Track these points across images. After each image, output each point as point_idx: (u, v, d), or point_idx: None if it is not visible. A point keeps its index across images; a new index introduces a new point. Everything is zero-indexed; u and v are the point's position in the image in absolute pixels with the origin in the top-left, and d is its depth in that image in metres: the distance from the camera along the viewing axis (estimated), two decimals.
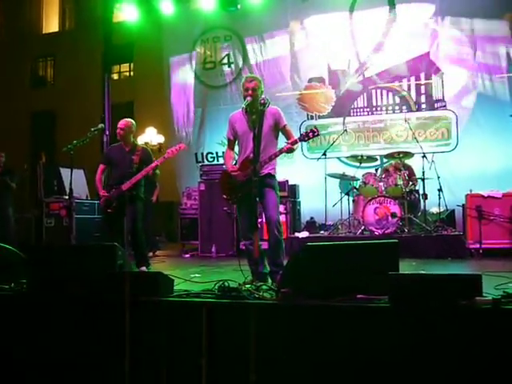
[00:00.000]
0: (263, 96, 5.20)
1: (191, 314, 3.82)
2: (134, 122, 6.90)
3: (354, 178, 9.24)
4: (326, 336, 3.48)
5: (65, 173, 9.92)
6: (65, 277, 4.15)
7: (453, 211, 9.14)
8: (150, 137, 15.98)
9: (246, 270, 5.07)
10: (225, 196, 5.52)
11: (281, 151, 5.17)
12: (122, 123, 6.79)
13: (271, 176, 5.25)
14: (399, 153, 8.99)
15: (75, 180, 7.33)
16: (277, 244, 5.14)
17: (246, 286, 4.15)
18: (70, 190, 7.21)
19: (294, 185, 9.98)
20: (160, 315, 3.87)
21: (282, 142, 5.40)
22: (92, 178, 7.09)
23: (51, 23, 23.08)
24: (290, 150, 5.17)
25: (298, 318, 3.59)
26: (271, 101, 5.34)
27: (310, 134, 5.15)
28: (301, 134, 5.31)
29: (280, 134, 5.39)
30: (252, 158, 5.03)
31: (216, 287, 4.06)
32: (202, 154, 11.99)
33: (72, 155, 6.90)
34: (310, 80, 11.35)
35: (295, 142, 5.16)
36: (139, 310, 3.87)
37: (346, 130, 10.07)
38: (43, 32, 22.83)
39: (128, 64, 21.00)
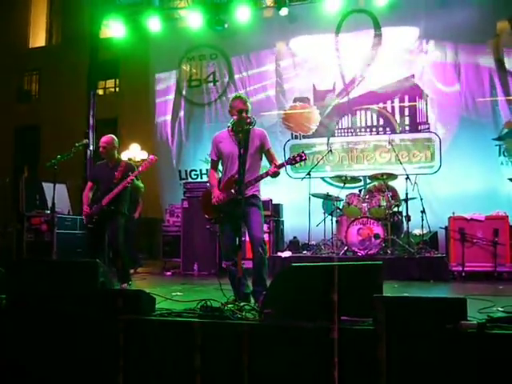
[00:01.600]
0: (249, 115, 5.19)
1: (173, 333, 3.77)
2: (115, 137, 6.88)
3: (337, 199, 9.25)
4: (309, 358, 3.45)
5: (47, 187, 9.80)
6: (45, 293, 4.09)
7: (436, 233, 9.16)
8: (134, 153, 15.92)
9: (227, 289, 5.03)
10: (207, 216, 5.48)
11: (267, 173, 5.15)
12: (103, 140, 6.78)
13: (256, 197, 5.23)
14: (383, 174, 9.02)
15: (57, 195, 7.26)
16: (261, 263, 5.10)
17: (229, 305, 4.11)
18: (53, 204, 7.14)
19: (278, 204, 9.97)
20: (142, 334, 3.81)
21: (265, 163, 5.40)
22: (74, 193, 7.04)
23: (38, 37, 22.99)
24: (275, 174, 5.14)
25: (281, 339, 3.55)
26: (256, 119, 5.34)
27: (298, 158, 5.13)
28: (288, 158, 5.30)
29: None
30: (237, 178, 5.00)
31: (198, 306, 4.03)
32: (186, 171, 11.96)
33: (56, 170, 6.84)
34: (295, 100, 11.40)
35: (282, 166, 5.15)
36: (121, 329, 3.82)
37: (330, 151, 10.11)
38: (30, 46, 22.74)
39: (113, 80, 20.95)
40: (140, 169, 6.62)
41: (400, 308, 3.32)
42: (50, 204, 7.44)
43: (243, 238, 6.23)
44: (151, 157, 6.80)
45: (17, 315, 4.16)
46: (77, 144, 7.30)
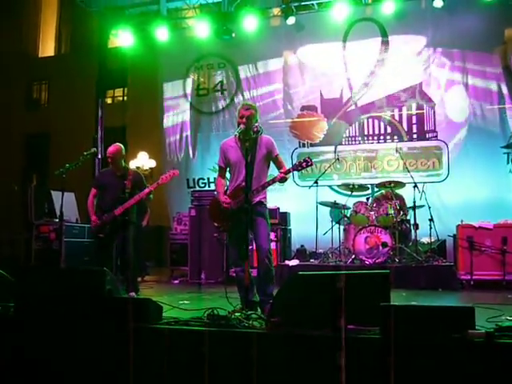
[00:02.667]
0: (256, 124, 5.19)
1: (180, 342, 3.77)
2: (122, 146, 6.90)
3: (345, 207, 9.24)
4: (316, 367, 3.44)
5: (56, 196, 9.85)
6: (53, 301, 4.10)
7: (444, 241, 9.12)
8: (142, 162, 15.97)
9: (233, 297, 5.03)
10: (215, 224, 5.49)
11: (274, 180, 5.17)
12: (111, 150, 6.79)
13: (262, 204, 5.24)
14: (390, 182, 9.01)
15: (66, 203, 7.29)
16: (267, 273, 5.10)
17: (236, 314, 4.10)
18: (61, 213, 7.17)
19: (285, 212, 9.96)
20: (149, 342, 3.81)
21: (272, 170, 5.41)
22: (83, 201, 7.06)
23: (47, 47, 23.20)
24: (282, 180, 5.16)
25: (288, 348, 3.55)
26: (264, 128, 5.35)
27: (304, 163, 5.15)
28: (294, 164, 5.31)
29: (271, 163, 5.40)
30: (244, 186, 5.01)
31: (205, 315, 4.02)
32: (194, 179, 11.98)
33: (64, 178, 6.87)
34: (303, 108, 11.42)
35: (288, 172, 5.16)
36: (128, 337, 3.82)
37: (337, 159, 10.11)
38: (39, 55, 22.93)
39: (122, 89, 21.06)
40: (160, 181, 6.64)
41: (407, 317, 3.30)
42: (58, 212, 7.46)
43: (250, 247, 6.26)
44: (174, 171, 6.84)
45: (25, 323, 4.17)
46: (85, 153, 7.33)
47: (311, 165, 5.22)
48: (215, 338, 3.72)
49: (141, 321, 3.88)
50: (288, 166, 5.34)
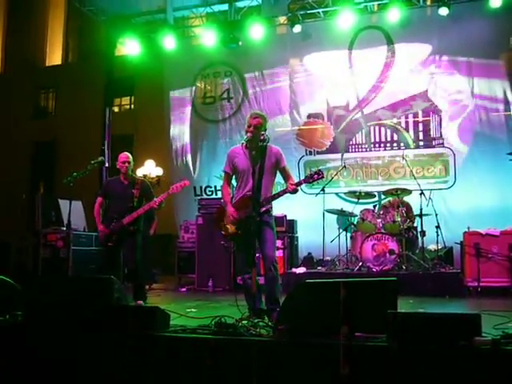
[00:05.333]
0: (263, 132, 5.21)
1: (187, 350, 3.79)
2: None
3: (352, 214, 9.24)
4: (323, 374, 3.45)
5: (63, 204, 9.91)
6: (61, 309, 4.13)
7: (451, 248, 9.11)
8: (149, 170, 15.99)
9: (242, 305, 5.04)
10: (222, 232, 5.50)
11: (284, 191, 5.18)
12: (125, 157, 6.81)
13: (268, 213, 5.25)
14: (397, 189, 9.00)
15: (73, 211, 7.32)
16: (273, 282, 5.11)
17: (243, 322, 4.12)
18: (68, 221, 7.20)
19: (292, 220, 9.97)
20: (157, 350, 3.83)
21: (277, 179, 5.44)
22: (90, 209, 7.08)
23: (54, 56, 23.33)
24: (294, 191, 5.17)
25: (295, 355, 3.56)
26: (270, 136, 5.37)
27: (315, 175, 5.17)
28: (306, 176, 5.35)
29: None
30: (251, 196, 5.03)
31: (212, 323, 4.04)
32: (201, 187, 12.01)
33: (71, 187, 6.90)
34: (309, 116, 11.45)
35: (299, 184, 5.21)
36: (136, 345, 3.84)
37: (344, 166, 10.12)
38: (46, 64, 23.07)
39: (129, 97, 21.15)
40: (170, 191, 6.63)
41: (413, 324, 3.31)
42: (65, 221, 7.50)
43: (257, 254, 6.27)
44: (185, 181, 6.84)
45: (33, 331, 4.20)
46: (92, 161, 7.36)
47: (322, 177, 5.23)
48: (223, 346, 3.73)
49: (148, 329, 3.90)
50: (294, 175, 5.35)
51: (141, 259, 6.68)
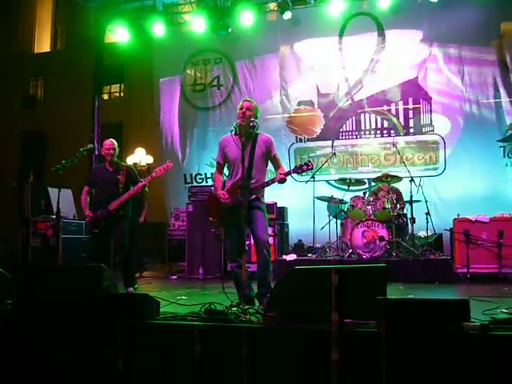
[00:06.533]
0: (253, 119, 5.19)
1: (177, 337, 3.79)
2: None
3: (342, 201, 9.25)
4: (313, 360, 3.46)
5: (53, 192, 9.84)
6: (50, 298, 4.11)
7: (440, 235, 9.14)
8: (139, 157, 15.94)
9: (231, 292, 5.04)
10: (212, 219, 5.51)
11: (273, 180, 5.20)
12: (109, 143, 6.82)
13: (259, 200, 5.25)
14: (387, 176, 9.00)
15: (63, 200, 7.28)
16: (265, 265, 5.11)
17: (233, 309, 4.12)
18: (58, 209, 7.16)
19: (283, 207, 9.96)
20: (147, 337, 3.83)
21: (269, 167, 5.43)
22: (80, 198, 7.05)
23: (43, 43, 23.13)
24: (282, 181, 5.19)
25: (285, 342, 3.56)
26: (260, 123, 5.36)
27: (304, 166, 5.19)
28: (295, 166, 5.37)
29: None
30: (242, 183, 5.03)
31: (202, 310, 4.04)
32: (191, 175, 11.99)
33: (61, 175, 6.87)
34: (300, 103, 11.42)
35: (288, 174, 5.21)
36: (126, 332, 3.83)
37: (334, 153, 10.10)
38: (35, 52, 22.86)
39: (118, 85, 21.03)
40: (154, 174, 6.59)
41: (403, 310, 3.32)
42: (55, 209, 7.46)
43: (248, 242, 6.27)
44: (168, 163, 6.77)
45: (22, 320, 4.18)
46: (81, 149, 7.32)
47: (311, 168, 5.26)
48: (213, 333, 3.73)
49: (138, 316, 3.90)
50: (285, 162, 5.35)
51: (130, 245, 6.68)
